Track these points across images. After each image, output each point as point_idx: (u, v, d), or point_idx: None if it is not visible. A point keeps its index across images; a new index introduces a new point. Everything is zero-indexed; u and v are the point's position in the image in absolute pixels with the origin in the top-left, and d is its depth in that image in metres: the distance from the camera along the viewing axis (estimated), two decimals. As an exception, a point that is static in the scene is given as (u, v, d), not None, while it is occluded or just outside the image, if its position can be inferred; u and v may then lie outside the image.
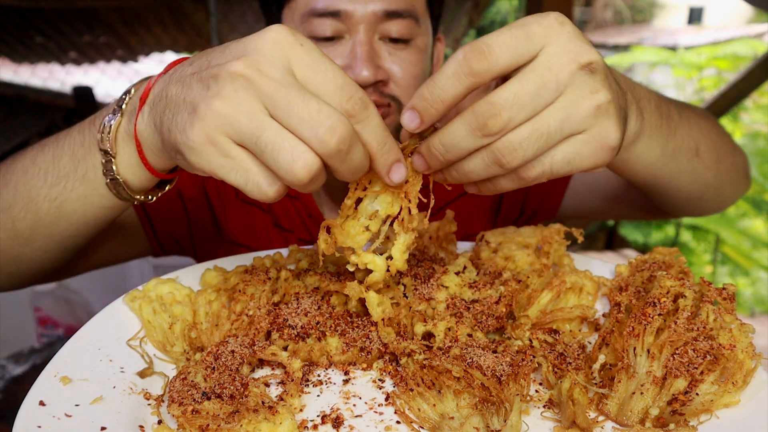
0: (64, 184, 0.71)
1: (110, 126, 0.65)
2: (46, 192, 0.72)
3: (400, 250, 0.61)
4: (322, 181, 0.54)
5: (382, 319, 0.65)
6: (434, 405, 0.57)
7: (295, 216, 1.16)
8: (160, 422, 0.54)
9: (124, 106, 0.65)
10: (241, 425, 0.52)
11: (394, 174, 0.57)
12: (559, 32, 0.54)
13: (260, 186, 0.53)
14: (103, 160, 0.66)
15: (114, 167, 0.66)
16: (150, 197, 0.71)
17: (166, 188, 0.72)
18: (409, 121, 0.57)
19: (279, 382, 0.62)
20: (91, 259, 1.01)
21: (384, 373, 0.64)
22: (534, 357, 0.61)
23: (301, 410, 0.58)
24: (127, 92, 0.66)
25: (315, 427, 0.56)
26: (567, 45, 0.54)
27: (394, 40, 1.01)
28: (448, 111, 0.56)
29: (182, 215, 1.14)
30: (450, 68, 0.53)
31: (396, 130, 1.03)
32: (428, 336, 0.65)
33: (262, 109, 0.51)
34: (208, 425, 0.52)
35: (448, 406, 0.57)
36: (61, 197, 0.71)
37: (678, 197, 0.92)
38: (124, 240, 1.08)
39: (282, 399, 0.59)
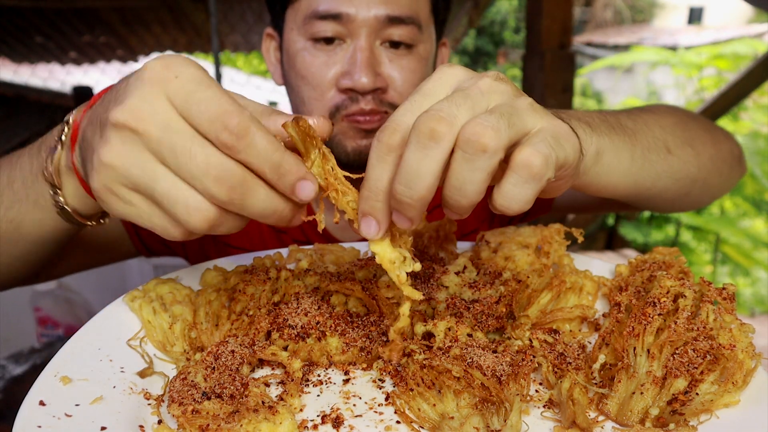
0: (18, 208, 0.71)
1: (51, 158, 0.64)
2: (3, 213, 0.72)
3: (403, 312, 0.59)
4: (234, 223, 0.53)
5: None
6: (434, 405, 0.57)
7: None
8: (160, 422, 0.54)
9: (63, 138, 0.63)
10: (241, 425, 0.52)
11: (302, 193, 0.52)
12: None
13: (167, 230, 0.52)
14: (50, 192, 0.66)
15: (61, 198, 0.65)
16: (104, 220, 0.70)
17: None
18: (368, 228, 0.53)
19: (279, 382, 0.62)
20: (72, 263, 1.01)
21: (384, 373, 0.64)
22: (534, 357, 0.61)
23: (301, 410, 0.58)
24: (66, 122, 0.64)
25: (315, 426, 0.56)
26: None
27: (396, 45, 1.00)
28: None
29: None
30: (373, 156, 0.52)
31: None
32: (428, 336, 0.65)
33: (151, 158, 0.49)
34: (208, 425, 0.52)
35: (448, 406, 0.57)
36: (17, 219, 0.71)
37: (665, 198, 0.90)
38: (108, 243, 1.08)
39: (282, 399, 0.59)
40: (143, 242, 1.12)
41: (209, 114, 0.48)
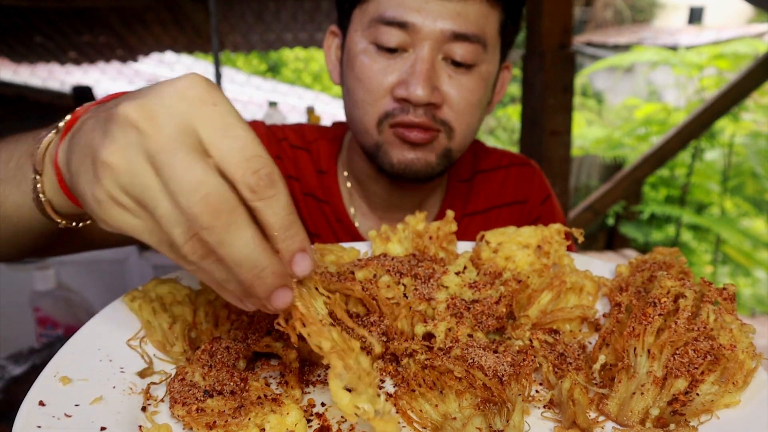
0: (4, 187, 0.68)
1: (42, 141, 0.60)
2: None
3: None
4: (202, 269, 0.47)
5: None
6: (436, 405, 0.57)
7: (323, 220, 1.15)
8: (156, 416, 0.54)
9: (60, 124, 0.60)
10: (249, 419, 0.52)
11: (298, 265, 0.48)
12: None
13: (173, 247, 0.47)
14: (33, 176, 0.62)
15: (39, 185, 0.61)
16: (76, 224, 0.66)
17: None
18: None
19: (279, 374, 0.63)
20: (70, 246, 0.94)
21: (384, 374, 0.64)
22: (535, 357, 0.61)
23: (306, 403, 0.59)
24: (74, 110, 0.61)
25: (317, 416, 0.56)
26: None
27: (457, 64, 0.99)
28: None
29: None
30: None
31: (444, 156, 1.04)
32: (428, 337, 0.65)
33: (149, 168, 0.45)
34: (215, 422, 0.52)
35: (450, 406, 0.56)
36: (1, 198, 0.68)
37: None
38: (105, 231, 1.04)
39: (284, 390, 0.59)
40: None
41: (244, 153, 0.45)
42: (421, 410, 0.57)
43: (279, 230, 0.47)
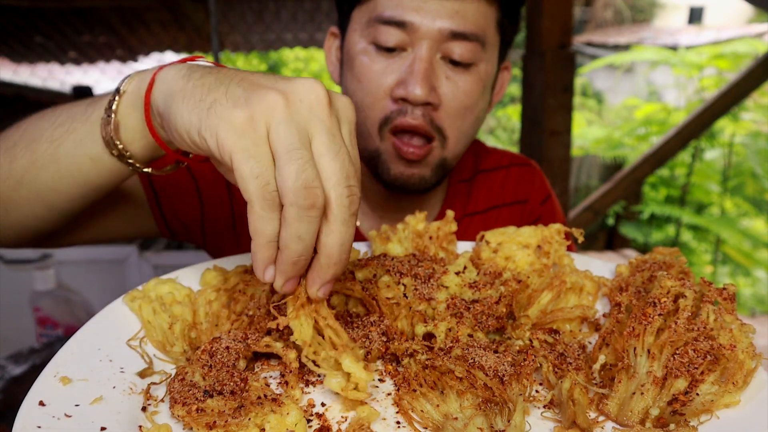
0: (68, 126, 0.71)
1: (126, 79, 0.67)
2: (50, 133, 0.72)
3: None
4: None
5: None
6: (438, 406, 0.57)
7: None
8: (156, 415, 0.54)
9: (145, 76, 0.65)
10: (249, 419, 0.52)
11: (323, 290, 0.56)
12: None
13: (265, 183, 0.51)
14: (110, 98, 0.66)
15: (115, 105, 0.66)
16: (135, 166, 0.69)
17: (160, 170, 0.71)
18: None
19: (279, 375, 0.62)
20: (92, 229, 0.96)
21: (384, 374, 0.64)
22: (535, 357, 0.61)
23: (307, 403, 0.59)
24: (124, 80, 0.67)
25: (317, 416, 0.56)
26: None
27: (455, 63, 0.99)
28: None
29: (194, 198, 1.09)
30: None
31: (439, 167, 1.05)
32: (428, 337, 0.65)
33: (283, 130, 0.51)
34: (215, 422, 0.52)
35: (451, 406, 0.56)
36: (61, 138, 0.71)
37: None
38: (129, 212, 1.04)
39: (284, 391, 0.59)
40: (164, 218, 1.08)
41: (352, 167, 0.53)
42: (422, 410, 0.57)
43: (325, 256, 0.53)
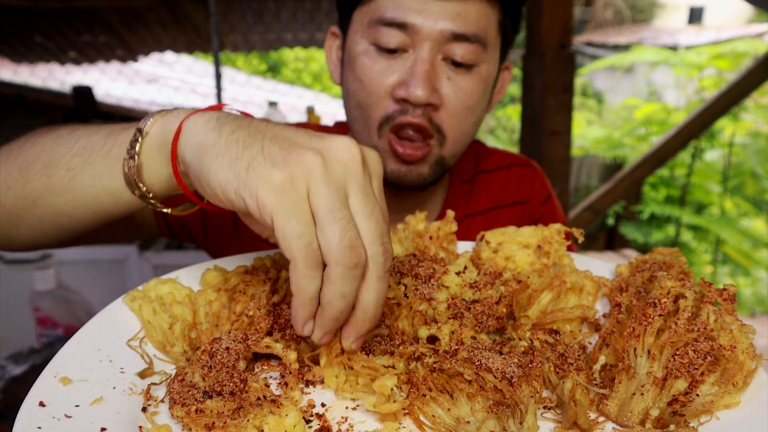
0: (86, 157, 0.71)
1: (150, 118, 0.66)
2: (68, 160, 0.72)
3: None
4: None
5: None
6: (449, 410, 0.56)
7: None
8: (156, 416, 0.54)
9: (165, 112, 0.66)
10: (248, 420, 0.52)
11: (357, 343, 0.58)
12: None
13: (308, 243, 0.52)
14: (133, 138, 0.66)
15: (138, 146, 0.66)
16: (153, 202, 0.70)
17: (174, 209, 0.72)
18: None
19: (279, 375, 0.62)
20: (94, 235, 0.96)
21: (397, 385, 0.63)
22: (542, 358, 0.61)
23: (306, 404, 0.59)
24: (146, 125, 0.67)
25: (317, 417, 0.56)
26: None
27: (457, 64, 0.99)
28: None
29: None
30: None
31: (437, 164, 1.05)
32: (431, 339, 0.65)
33: (323, 191, 0.52)
34: (213, 423, 0.52)
35: (462, 410, 0.56)
36: (78, 168, 0.71)
37: None
38: (132, 217, 1.03)
39: (283, 392, 0.59)
40: (167, 224, 1.10)
41: (384, 227, 0.55)
42: (433, 415, 0.56)
43: (361, 312, 0.55)
